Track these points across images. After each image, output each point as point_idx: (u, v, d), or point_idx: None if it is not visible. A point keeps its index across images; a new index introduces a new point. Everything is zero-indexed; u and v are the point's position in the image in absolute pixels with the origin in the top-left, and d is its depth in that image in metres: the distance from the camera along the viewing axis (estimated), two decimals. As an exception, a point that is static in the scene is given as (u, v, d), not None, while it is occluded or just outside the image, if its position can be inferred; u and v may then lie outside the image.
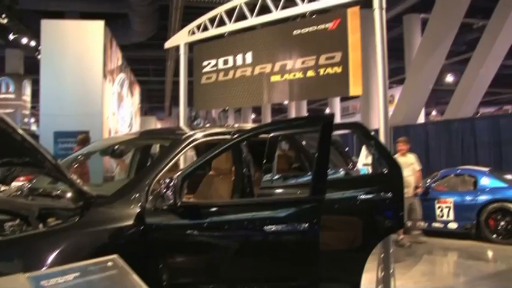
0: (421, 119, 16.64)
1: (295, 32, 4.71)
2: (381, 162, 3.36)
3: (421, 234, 7.68)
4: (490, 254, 7.15)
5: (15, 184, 3.40)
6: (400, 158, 7.48)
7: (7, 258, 2.33)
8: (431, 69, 13.97)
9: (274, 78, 4.86)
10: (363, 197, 3.18)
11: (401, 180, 3.31)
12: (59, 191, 3.08)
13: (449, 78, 23.53)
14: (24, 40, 17.66)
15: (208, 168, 4.32)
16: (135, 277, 2.29)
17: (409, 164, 7.50)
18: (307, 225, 2.71)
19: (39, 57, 12.75)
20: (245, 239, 2.86)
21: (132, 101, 18.06)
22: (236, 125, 4.08)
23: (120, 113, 14.59)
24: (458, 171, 8.73)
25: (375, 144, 3.45)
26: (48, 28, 10.80)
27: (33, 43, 17.58)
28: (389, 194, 3.17)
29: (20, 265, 2.27)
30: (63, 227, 2.58)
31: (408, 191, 7.37)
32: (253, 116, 35.52)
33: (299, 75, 4.63)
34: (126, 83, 15.84)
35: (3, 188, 3.33)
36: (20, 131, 2.37)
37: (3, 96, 21.22)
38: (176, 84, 9.49)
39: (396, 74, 21.55)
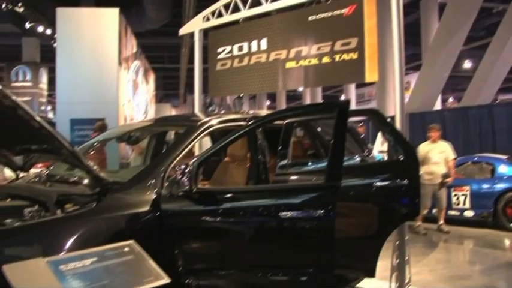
0: (438, 106, 16.41)
1: (310, 18, 4.65)
2: (397, 149, 3.33)
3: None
4: (507, 242, 7.08)
5: (33, 171, 3.45)
6: (429, 145, 7.42)
7: (27, 243, 2.37)
8: (449, 55, 13.73)
9: (289, 64, 4.82)
10: (378, 183, 3.16)
11: (418, 167, 3.28)
12: (76, 178, 3.13)
13: (467, 64, 23.12)
14: (40, 28, 17.77)
15: (223, 155, 4.34)
16: (151, 262, 2.33)
17: (440, 152, 7.38)
18: (322, 211, 2.70)
19: (55, 45, 12.82)
20: (260, 225, 2.87)
21: (147, 88, 18.13)
22: (251, 112, 4.07)
23: (135, 100, 14.67)
24: (475, 159, 8.62)
25: (390, 131, 3.42)
26: (64, 16, 10.87)
27: (49, 31, 17.68)
28: (405, 181, 3.15)
29: (39, 250, 2.31)
30: (81, 212, 2.61)
31: (433, 178, 7.29)
32: (268, 102, 35.41)
33: (314, 61, 4.59)
34: (141, 70, 15.89)
35: (22, 174, 3.38)
36: (38, 119, 2.39)
37: (20, 84, 21.50)
38: (191, 71, 9.49)
39: (413, 60, 21.27)
